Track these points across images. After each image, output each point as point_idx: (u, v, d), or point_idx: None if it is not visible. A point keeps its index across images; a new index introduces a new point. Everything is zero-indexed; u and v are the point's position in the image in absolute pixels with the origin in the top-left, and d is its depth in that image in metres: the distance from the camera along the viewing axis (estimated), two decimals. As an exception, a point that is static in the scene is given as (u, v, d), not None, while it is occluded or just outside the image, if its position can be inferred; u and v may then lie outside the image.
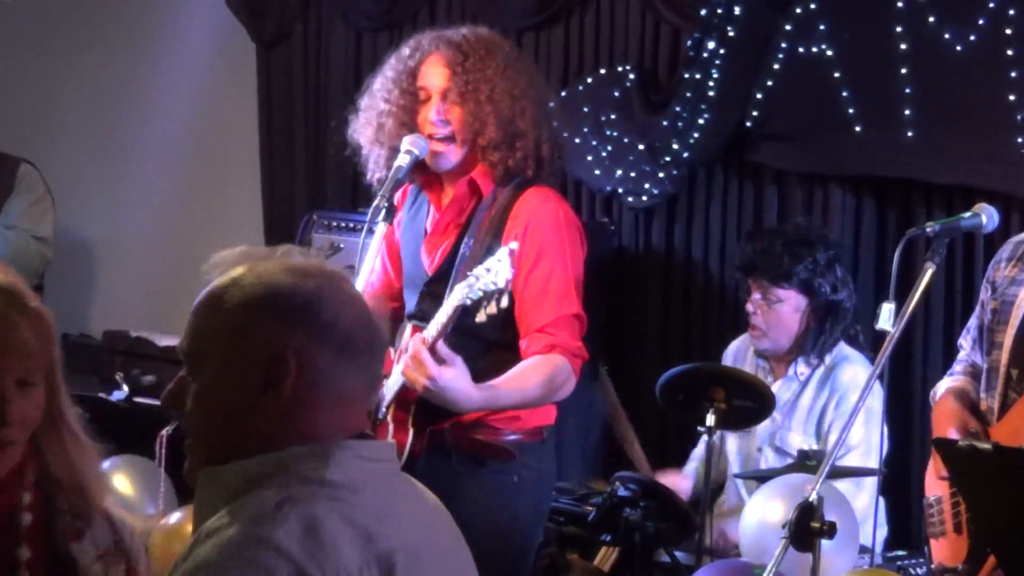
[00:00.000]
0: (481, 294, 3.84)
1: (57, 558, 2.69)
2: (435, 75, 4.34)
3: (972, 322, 4.29)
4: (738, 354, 5.73)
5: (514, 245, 3.84)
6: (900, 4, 5.68)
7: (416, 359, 4.01)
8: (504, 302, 3.87)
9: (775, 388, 5.46)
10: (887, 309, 3.87)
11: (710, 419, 4.98)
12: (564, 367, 4.26)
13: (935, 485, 4.13)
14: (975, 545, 3.96)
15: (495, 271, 3.82)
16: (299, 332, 2.23)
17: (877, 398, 4.94)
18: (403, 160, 4.30)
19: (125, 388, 5.07)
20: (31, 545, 2.66)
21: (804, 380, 5.51)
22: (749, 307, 5.55)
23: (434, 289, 4.38)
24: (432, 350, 4.02)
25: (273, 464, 2.22)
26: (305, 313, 2.24)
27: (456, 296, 3.92)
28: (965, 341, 4.31)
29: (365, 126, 4.46)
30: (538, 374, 4.24)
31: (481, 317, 3.91)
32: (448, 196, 4.43)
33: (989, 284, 4.14)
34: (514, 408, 4.28)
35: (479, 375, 4.17)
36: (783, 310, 5.47)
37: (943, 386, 4.29)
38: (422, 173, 4.44)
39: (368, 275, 4.48)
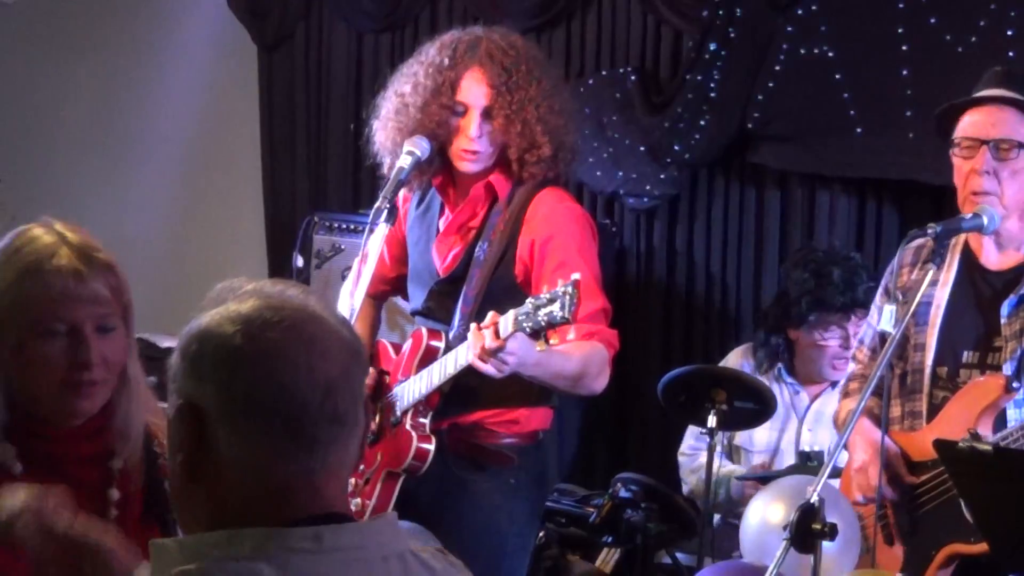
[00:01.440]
0: (544, 324, 3.75)
1: (156, 496, 2.81)
2: (477, 93, 4.28)
3: (867, 333, 4.29)
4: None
5: (577, 275, 3.74)
6: (901, 5, 5.71)
7: (490, 351, 3.90)
8: (571, 335, 3.83)
9: (817, 404, 5.47)
10: (888, 310, 3.87)
11: (711, 420, 4.98)
12: (603, 353, 4.22)
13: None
14: (912, 552, 3.98)
15: (561, 302, 3.71)
16: (207, 388, 1.97)
17: None
18: (405, 161, 4.27)
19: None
20: (124, 485, 2.79)
21: None
22: (854, 343, 5.38)
23: (445, 289, 4.38)
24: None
25: None
26: (215, 367, 1.97)
27: (513, 322, 3.82)
28: (860, 354, 4.30)
29: (396, 131, 4.36)
30: (584, 350, 4.18)
31: (541, 346, 3.84)
32: (462, 196, 4.42)
33: (891, 292, 4.11)
34: (559, 378, 4.18)
35: (513, 387, 4.20)
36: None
37: (846, 407, 4.27)
38: (436, 171, 4.43)
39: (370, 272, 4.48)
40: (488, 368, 3.94)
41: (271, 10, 7.72)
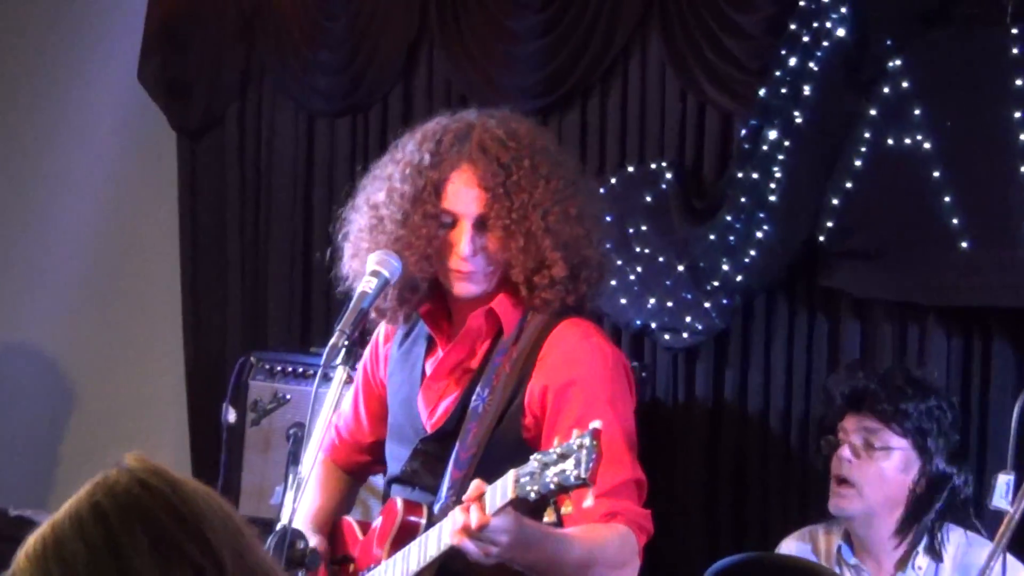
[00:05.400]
0: (554, 488, 3.57)
1: None
2: (467, 199, 4.21)
3: None
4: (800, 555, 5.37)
5: (597, 424, 3.55)
6: (1019, 82, 5.69)
7: (475, 529, 3.77)
8: (588, 501, 3.58)
9: None
10: (1003, 481, 3.86)
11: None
12: (630, 539, 4.09)
13: None
14: None
15: (576, 458, 3.53)
16: None
17: None
18: (368, 285, 4.14)
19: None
20: None
21: None
22: (844, 452, 5.21)
23: (432, 448, 4.25)
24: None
25: None
26: None
27: (512, 485, 3.64)
28: None
29: (370, 254, 4.24)
30: (599, 534, 4.05)
31: (549, 518, 3.67)
32: (458, 329, 4.35)
33: None
34: (562, 569, 4.04)
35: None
36: (888, 465, 5.21)
37: None
38: (423, 297, 4.32)
39: (330, 424, 4.42)
40: (471, 549, 3.77)
41: (194, 88, 7.70)
